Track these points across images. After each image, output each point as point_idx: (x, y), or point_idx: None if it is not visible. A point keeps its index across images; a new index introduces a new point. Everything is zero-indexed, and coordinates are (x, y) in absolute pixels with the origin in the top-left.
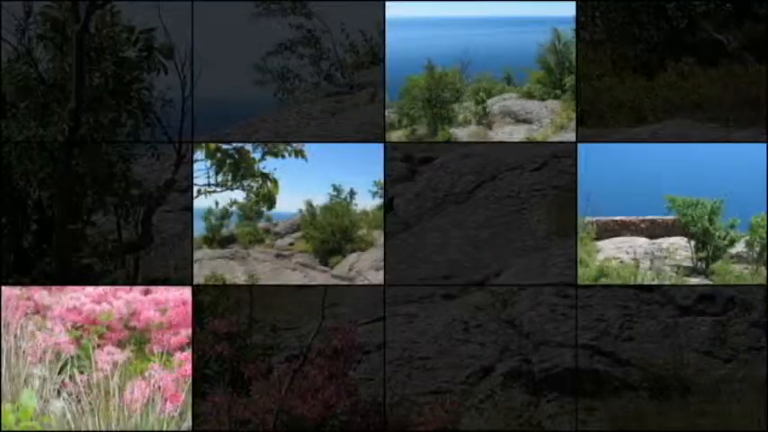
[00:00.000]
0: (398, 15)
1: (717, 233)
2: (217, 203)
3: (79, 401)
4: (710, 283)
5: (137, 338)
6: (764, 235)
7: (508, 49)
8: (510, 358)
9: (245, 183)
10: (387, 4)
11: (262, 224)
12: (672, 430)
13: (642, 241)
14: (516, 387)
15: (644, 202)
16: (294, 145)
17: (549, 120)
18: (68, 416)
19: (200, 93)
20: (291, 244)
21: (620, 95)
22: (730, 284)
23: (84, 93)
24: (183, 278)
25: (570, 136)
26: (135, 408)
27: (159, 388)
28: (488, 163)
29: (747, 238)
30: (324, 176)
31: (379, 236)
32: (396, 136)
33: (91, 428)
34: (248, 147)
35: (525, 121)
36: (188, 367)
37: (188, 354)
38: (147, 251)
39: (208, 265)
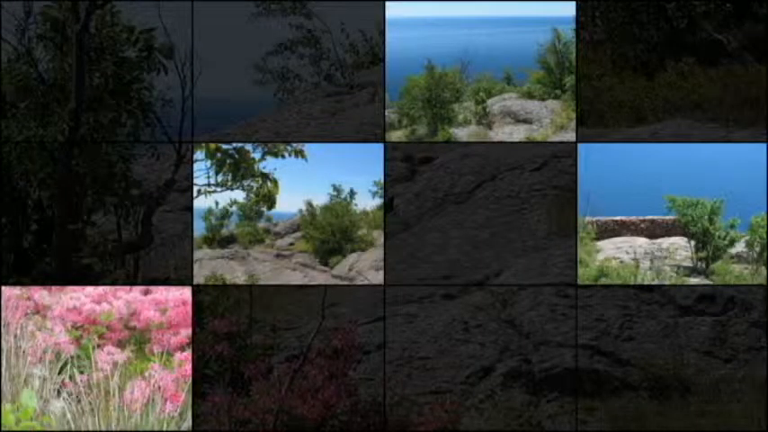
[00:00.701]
0: (398, 15)
1: (717, 233)
2: (217, 203)
3: (79, 401)
4: (710, 283)
5: (137, 338)
6: (764, 235)
7: (508, 49)
8: (510, 358)
9: (245, 183)
10: (387, 4)
11: (262, 224)
12: (672, 430)
13: (642, 241)
14: (516, 387)
15: (644, 202)
16: (294, 145)
17: (549, 120)
18: (68, 416)
19: (200, 93)
20: (291, 244)
21: (620, 95)
22: (730, 284)
23: (84, 93)
24: (183, 278)
25: (570, 136)
26: (135, 408)
27: (159, 388)
28: (488, 163)
29: (747, 238)
30: (324, 176)
31: (379, 236)
32: (396, 136)
33: (91, 428)
34: (248, 147)
35: (525, 121)
36: (188, 367)
37: (188, 354)
38: (147, 251)
39: (208, 265)
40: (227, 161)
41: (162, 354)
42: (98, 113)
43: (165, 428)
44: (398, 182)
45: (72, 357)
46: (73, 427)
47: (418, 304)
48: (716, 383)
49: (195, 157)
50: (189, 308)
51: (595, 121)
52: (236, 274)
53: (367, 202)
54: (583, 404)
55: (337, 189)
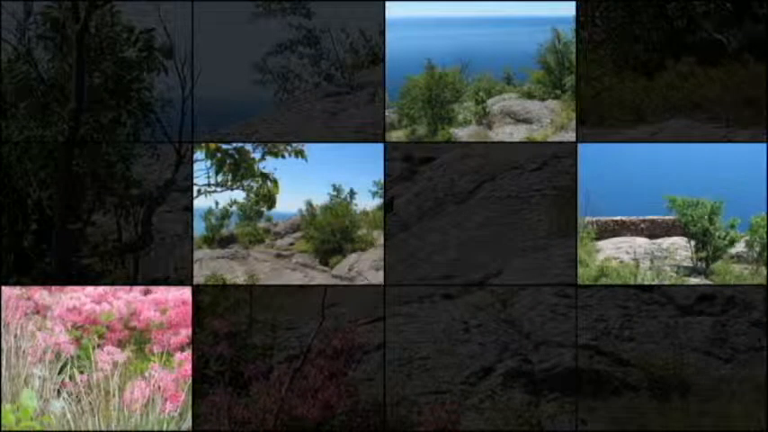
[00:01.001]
0: (398, 15)
1: (717, 233)
2: (217, 203)
3: (79, 401)
4: (710, 283)
5: (137, 338)
6: (764, 235)
7: (508, 49)
8: (510, 358)
9: (245, 183)
10: (387, 4)
11: (262, 224)
12: (672, 430)
13: (642, 241)
14: (516, 387)
15: (644, 202)
16: (294, 145)
17: (549, 120)
18: (68, 416)
19: (200, 93)
20: (291, 244)
21: (620, 95)
22: (730, 284)
23: (84, 93)
24: (183, 278)
25: (570, 136)
26: (135, 408)
27: (159, 388)
28: (488, 163)
29: (747, 238)
30: (324, 176)
31: (379, 236)
32: (396, 136)
33: (91, 428)
34: (248, 147)
35: (525, 121)
36: (188, 367)
37: (188, 354)
38: (147, 251)
39: (208, 265)
40: (227, 161)
41: (162, 354)
42: (98, 113)
43: (165, 428)
44: (398, 182)
45: (72, 357)
46: (73, 427)
47: (418, 304)
48: (716, 383)
49: (195, 157)
50: (189, 308)
51: (595, 121)
52: (236, 274)
53: (367, 202)
54: (583, 404)
55: (337, 189)
